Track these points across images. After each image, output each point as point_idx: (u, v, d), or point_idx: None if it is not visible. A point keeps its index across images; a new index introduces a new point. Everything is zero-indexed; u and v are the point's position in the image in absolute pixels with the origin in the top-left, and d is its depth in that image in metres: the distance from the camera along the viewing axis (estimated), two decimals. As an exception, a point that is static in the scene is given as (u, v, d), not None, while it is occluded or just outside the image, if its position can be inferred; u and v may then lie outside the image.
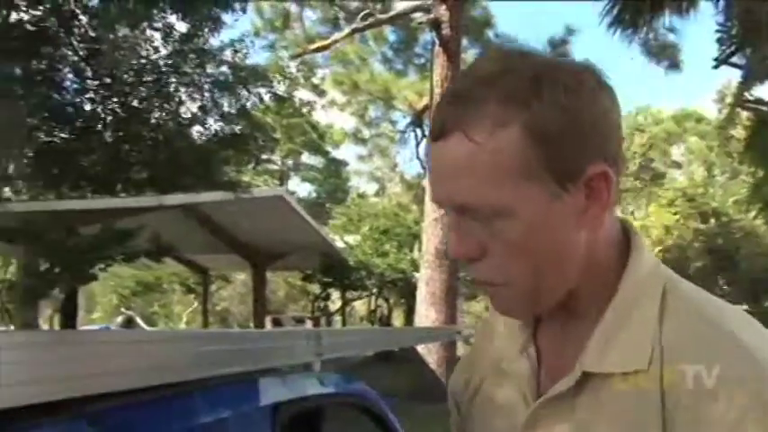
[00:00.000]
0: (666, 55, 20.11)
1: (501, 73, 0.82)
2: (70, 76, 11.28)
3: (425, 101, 18.58)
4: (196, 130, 12.38)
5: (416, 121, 20.79)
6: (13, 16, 9.88)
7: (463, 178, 0.83)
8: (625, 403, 0.86)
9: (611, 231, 0.93)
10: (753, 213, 18.09)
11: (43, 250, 8.78)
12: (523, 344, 1.01)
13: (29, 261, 9.48)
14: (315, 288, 22.35)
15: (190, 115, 12.20)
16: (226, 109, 12.33)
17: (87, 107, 11.31)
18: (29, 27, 10.05)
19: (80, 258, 8.59)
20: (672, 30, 17.79)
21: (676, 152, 38.58)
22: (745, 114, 12.89)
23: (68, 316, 10.61)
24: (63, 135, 11.23)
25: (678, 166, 38.11)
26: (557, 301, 0.92)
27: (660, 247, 20.77)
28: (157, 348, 1.42)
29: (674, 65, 20.46)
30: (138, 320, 25.49)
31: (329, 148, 41.09)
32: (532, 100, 0.80)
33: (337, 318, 26.17)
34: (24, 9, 9.98)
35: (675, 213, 22.48)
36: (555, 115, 0.81)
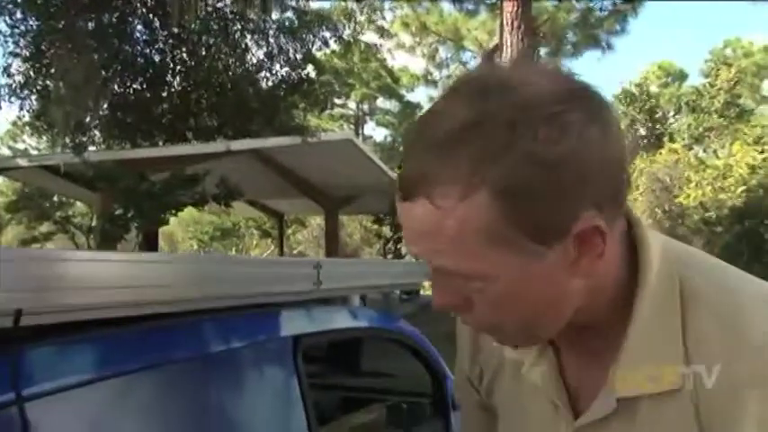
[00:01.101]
0: (754, -18, 18.84)
1: (473, 125, 0.72)
2: (140, 27, 11.59)
3: (496, 40, 18.17)
4: (263, 76, 12.56)
5: (487, 61, 20.39)
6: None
7: (431, 244, 0.76)
8: (661, 420, 0.83)
9: (616, 253, 0.84)
10: None
11: (117, 196, 9.18)
12: (540, 348, 0.95)
13: (105, 207, 9.91)
14: (387, 231, 22.52)
15: (256, 62, 12.38)
16: (291, 54, 12.44)
17: (157, 58, 11.62)
18: (99, -20, 10.34)
19: (151, 203, 8.94)
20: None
21: (767, 87, 36.72)
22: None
23: (146, 259, 11.05)
24: (135, 86, 11.60)
25: (768, 101, 36.29)
26: (553, 334, 0.88)
27: (743, 187, 19.95)
28: (150, 269, 1.40)
29: (764, -7, 19.13)
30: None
31: (404, 92, 40.77)
32: (503, 156, 0.70)
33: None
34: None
35: (762, 152, 21.36)
36: (529, 171, 0.70)
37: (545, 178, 0.71)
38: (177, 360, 1.52)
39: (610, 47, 20.94)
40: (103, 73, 10.54)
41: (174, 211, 9.67)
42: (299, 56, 12.29)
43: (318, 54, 13.19)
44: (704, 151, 28.07)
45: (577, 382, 0.93)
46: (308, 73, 12.41)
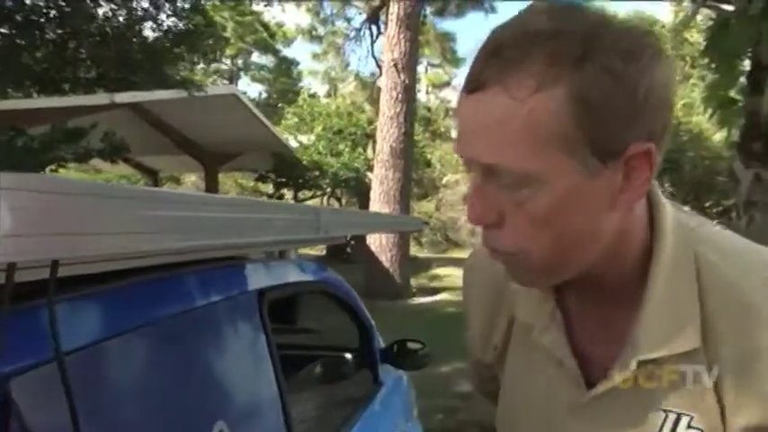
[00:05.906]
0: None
1: (551, 31, 0.74)
2: (9, -34, 10.71)
3: (380, -3, 18.12)
4: (148, 26, 11.92)
5: (372, 18, 20.34)
6: None
7: (495, 137, 0.76)
8: (681, 382, 0.86)
9: (642, 209, 0.88)
10: (700, 116, 18.24)
11: (-8, 150, 8.55)
12: (551, 312, 0.97)
13: (-22, 162, 9.22)
14: (268, 188, 22.25)
15: (141, 11, 11.73)
16: (179, 3, 11.85)
17: (28, 1, 10.78)
18: None
19: (29, 158, 8.38)
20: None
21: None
22: (700, 17, 12.83)
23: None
24: (2, 30, 10.74)
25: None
26: (573, 275, 0.88)
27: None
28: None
29: (627, -35, 19.96)
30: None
31: (280, 47, 40.08)
32: (584, 62, 0.72)
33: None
34: None
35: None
36: (606, 82, 0.73)
37: (619, 93, 0.73)
38: (156, 319, 1.43)
39: (493, 9, 21.34)
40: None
41: (54, 168, 9.12)
42: (186, 5, 11.73)
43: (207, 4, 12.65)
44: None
45: (587, 353, 0.95)
46: (196, 24, 11.87)
